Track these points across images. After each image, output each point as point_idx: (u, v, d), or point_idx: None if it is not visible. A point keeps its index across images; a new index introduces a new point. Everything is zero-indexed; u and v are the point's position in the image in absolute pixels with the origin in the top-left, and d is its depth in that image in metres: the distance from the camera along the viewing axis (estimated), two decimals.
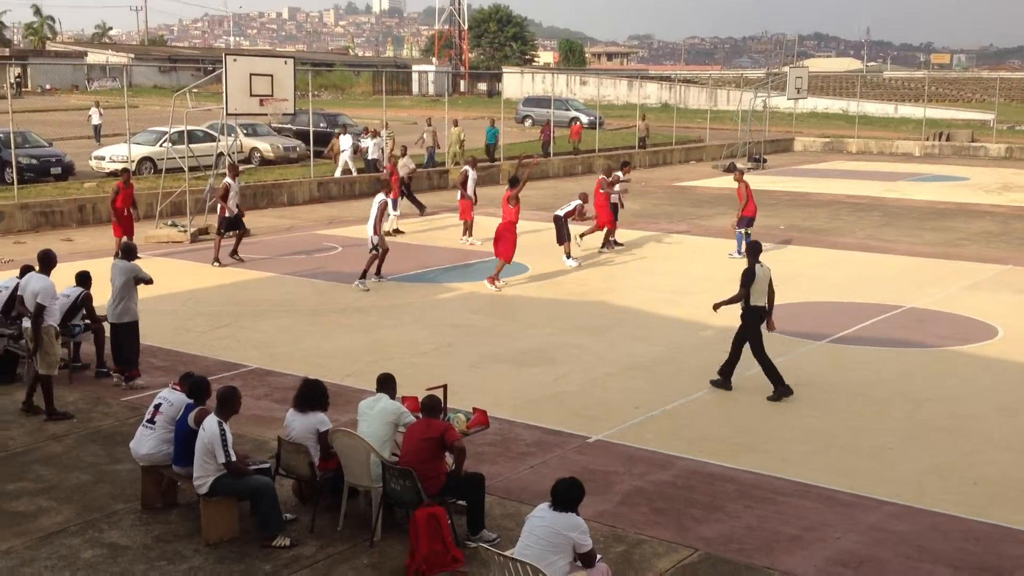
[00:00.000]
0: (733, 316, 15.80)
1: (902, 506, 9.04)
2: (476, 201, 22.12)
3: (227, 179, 19.50)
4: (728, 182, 35.54)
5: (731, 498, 9.15)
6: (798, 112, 59.41)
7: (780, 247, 22.19)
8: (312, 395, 8.69)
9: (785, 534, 8.47)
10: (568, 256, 19.43)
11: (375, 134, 31.12)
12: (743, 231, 20.34)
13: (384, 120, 33.37)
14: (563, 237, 19.48)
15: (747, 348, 12.11)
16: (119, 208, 19.11)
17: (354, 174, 30.29)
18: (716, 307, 12.48)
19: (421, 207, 26.15)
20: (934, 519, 8.81)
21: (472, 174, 22.01)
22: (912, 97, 77.35)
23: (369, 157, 30.88)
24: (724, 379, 12.28)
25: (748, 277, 12.04)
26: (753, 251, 12.34)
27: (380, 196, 17.54)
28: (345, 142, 30.97)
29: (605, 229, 21.15)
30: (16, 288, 12.04)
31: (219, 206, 19.46)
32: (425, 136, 34.17)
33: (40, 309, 10.80)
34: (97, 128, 40.62)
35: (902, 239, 23.68)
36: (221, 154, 26.97)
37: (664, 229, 24.35)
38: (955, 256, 21.51)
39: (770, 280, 12.18)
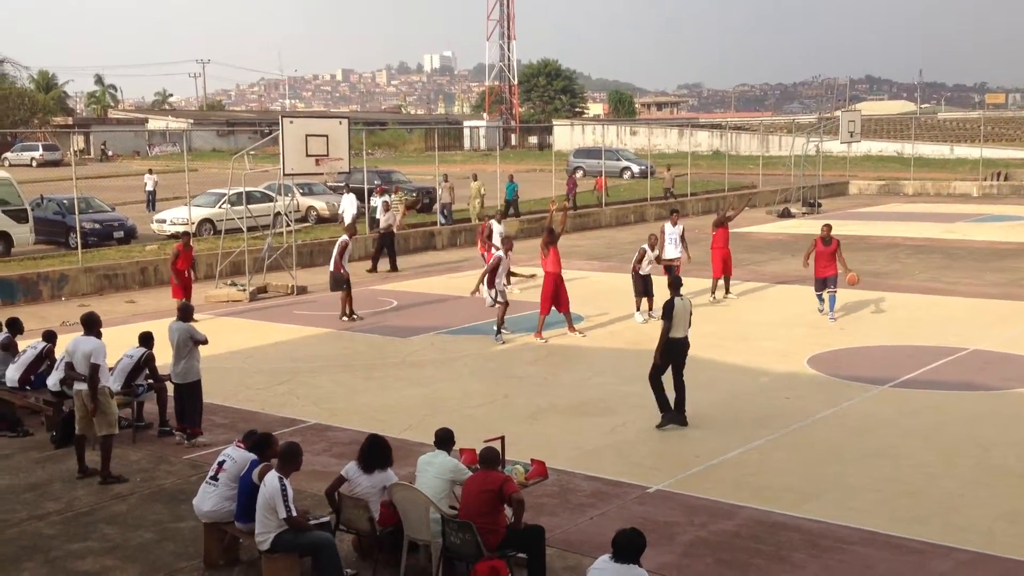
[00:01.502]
0: (794, 361, 15.70)
1: (973, 553, 8.80)
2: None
3: (344, 237, 20.08)
4: (783, 227, 35.41)
5: (797, 547, 8.98)
6: (852, 156, 58.99)
7: (840, 290, 21.88)
8: (378, 453, 8.70)
9: None
10: (638, 309, 19.16)
11: (381, 192, 29.96)
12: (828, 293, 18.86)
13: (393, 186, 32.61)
14: (639, 291, 19.07)
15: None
16: (179, 270, 19.43)
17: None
18: (656, 356, 12.58)
19: (393, 263, 26.11)
20: (1006, 566, 8.56)
21: (498, 227, 22.23)
22: (968, 137, 76.39)
23: (378, 217, 28.35)
24: (676, 413, 12.47)
25: (668, 309, 12.39)
26: (674, 285, 12.81)
27: (498, 253, 17.99)
28: (348, 203, 29.14)
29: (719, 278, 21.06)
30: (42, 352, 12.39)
31: (334, 264, 19.60)
32: (440, 192, 33.37)
33: (95, 369, 10.94)
34: (151, 195, 40.76)
35: (963, 280, 23.29)
36: (279, 214, 27.52)
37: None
38: (1019, 297, 21.09)
39: (689, 312, 12.63)
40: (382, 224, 26.12)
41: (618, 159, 57.55)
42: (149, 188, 40.85)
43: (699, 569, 8.59)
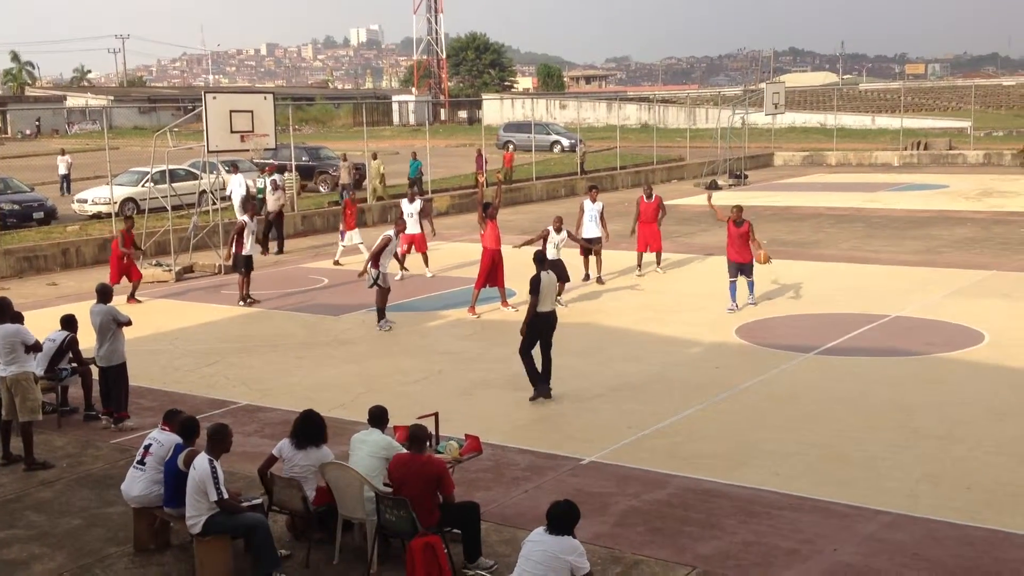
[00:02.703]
0: (723, 332, 15.93)
1: (897, 515, 9.03)
2: (434, 231, 21.91)
3: (243, 217, 19.19)
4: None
5: (727, 514, 9.14)
6: (777, 127, 59.82)
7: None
8: (312, 429, 8.61)
9: (782, 548, 8.45)
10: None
11: (271, 171, 27.46)
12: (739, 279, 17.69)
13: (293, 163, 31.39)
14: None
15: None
16: (120, 254, 19.16)
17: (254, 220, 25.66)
18: (523, 330, 12.74)
19: (280, 245, 25.61)
20: (930, 526, 8.81)
21: (408, 207, 21.46)
22: (889, 108, 77.98)
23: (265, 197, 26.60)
24: (544, 387, 12.62)
25: (535, 284, 12.56)
26: (539, 259, 12.96)
27: (387, 233, 17.08)
28: (236, 183, 26.29)
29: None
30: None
31: (234, 244, 18.94)
32: (342, 171, 32.43)
33: (38, 346, 10.94)
34: (64, 178, 38.39)
35: (885, 249, 23.81)
36: (204, 192, 27.04)
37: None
38: (938, 263, 21.64)
39: (556, 287, 13.00)
40: (271, 205, 25.48)
41: (548, 133, 57.58)
42: (63, 171, 38.48)
43: (632, 538, 8.70)
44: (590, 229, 19.97)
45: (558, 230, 17.73)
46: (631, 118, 76.73)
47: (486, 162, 37.01)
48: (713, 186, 39.74)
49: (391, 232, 17.02)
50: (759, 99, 47.31)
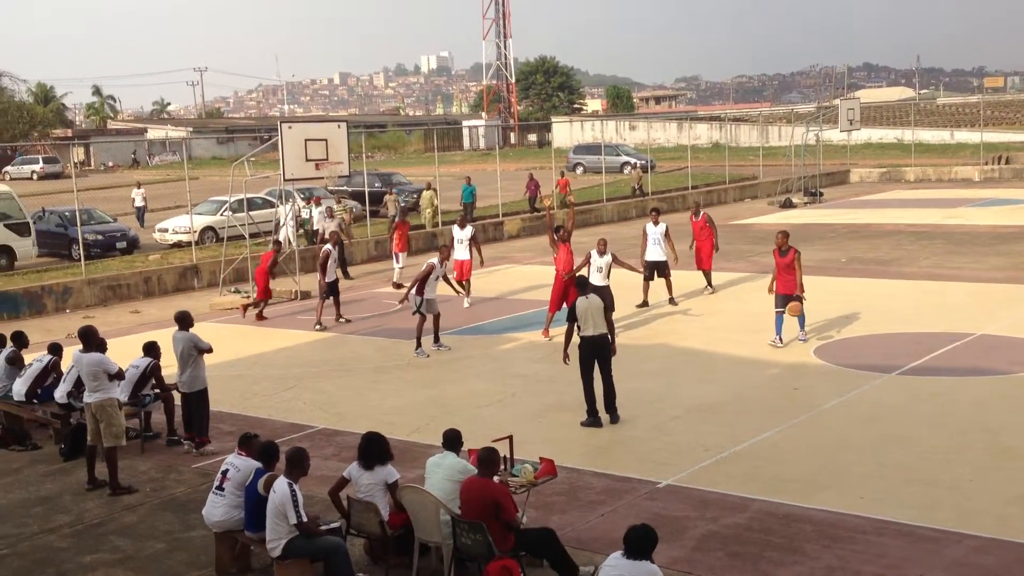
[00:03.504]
0: (801, 352, 15.66)
1: (986, 539, 8.77)
2: (478, 260, 21.83)
3: (328, 247, 19.76)
4: (785, 217, 35.36)
5: (809, 539, 8.95)
6: (852, 144, 58.90)
7: (844, 279, 21.90)
8: (375, 449, 8.69)
9: (867, 573, 8.25)
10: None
11: (318, 202, 28.58)
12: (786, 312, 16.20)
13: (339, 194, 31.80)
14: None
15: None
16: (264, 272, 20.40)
17: (295, 247, 25.31)
18: (564, 358, 12.84)
19: (344, 271, 25.37)
20: (1020, 551, 8.53)
21: (458, 233, 21.40)
22: (968, 122, 76.26)
23: (315, 227, 28.04)
24: (608, 412, 12.46)
25: (571, 311, 12.50)
26: (580, 284, 12.84)
27: (431, 261, 17.01)
28: (284, 214, 26.79)
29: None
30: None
31: (321, 271, 19.35)
32: (388, 204, 32.06)
33: (121, 374, 11.23)
34: (140, 210, 38.39)
35: (968, 266, 23.24)
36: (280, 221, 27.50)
37: (723, 268, 24.14)
38: (1023, 280, 21.03)
39: (604, 308, 12.45)
40: (327, 232, 25.74)
41: (618, 154, 57.48)
42: (138, 204, 38.58)
43: (711, 563, 8.56)
44: (654, 252, 19.74)
45: (601, 253, 17.26)
46: (702, 137, 76.22)
47: (539, 187, 36.79)
48: (788, 204, 39.27)
49: (435, 260, 16.90)
50: (833, 115, 46.66)
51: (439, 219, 31.89)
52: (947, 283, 21.16)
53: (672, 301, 19.72)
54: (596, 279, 16.82)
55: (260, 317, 20.46)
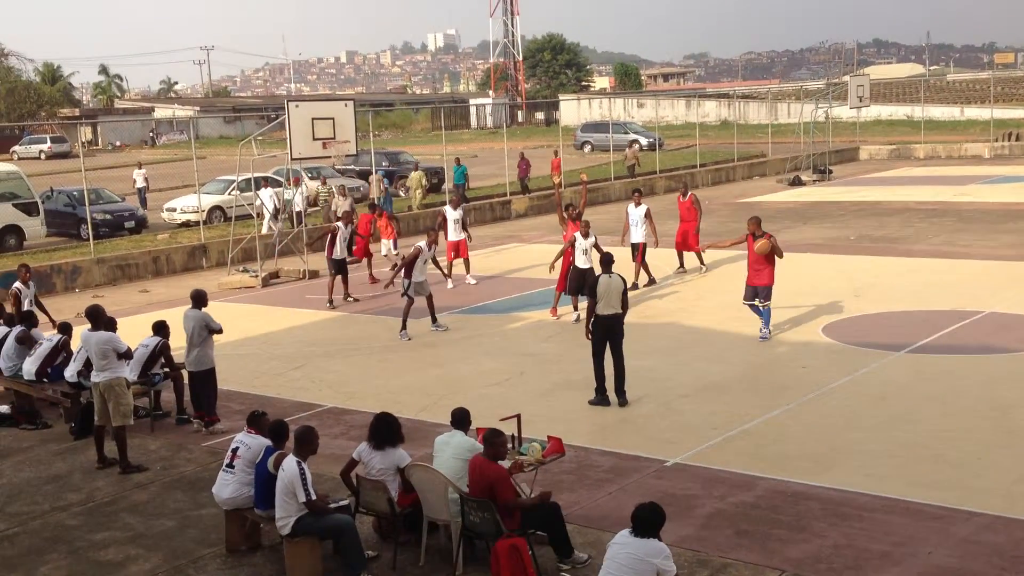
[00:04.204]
0: (809, 330, 15.64)
1: (994, 516, 8.77)
2: (470, 238, 21.89)
3: (337, 223, 20.02)
4: (794, 195, 35.25)
5: (816, 517, 8.97)
6: (862, 121, 58.56)
7: (853, 257, 21.84)
8: (388, 430, 8.71)
9: (874, 551, 8.26)
10: (575, 308, 17.22)
11: (297, 183, 27.59)
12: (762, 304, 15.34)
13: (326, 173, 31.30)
14: (571, 288, 17.23)
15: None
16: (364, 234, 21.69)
17: (276, 232, 25.13)
18: (587, 333, 12.65)
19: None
20: None
21: (452, 214, 21.19)
22: (978, 98, 75.72)
23: (297, 209, 26.92)
24: (616, 393, 12.40)
25: (592, 287, 12.44)
26: (605, 261, 12.69)
27: (419, 244, 16.89)
28: (266, 198, 26.55)
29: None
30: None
31: (327, 248, 19.60)
32: (372, 185, 30.88)
33: (129, 353, 11.27)
34: (141, 191, 37.10)
35: (977, 243, 23.15)
36: (288, 200, 27.52)
37: (731, 246, 24.07)
38: None
39: (623, 290, 12.34)
40: (341, 211, 25.71)
41: (626, 132, 57.25)
42: (140, 185, 37.38)
43: (719, 541, 8.59)
44: (636, 234, 19.66)
45: (585, 235, 16.88)
46: (710, 115, 75.90)
47: (530, 167, 36.39)
48: (797, 182, 39.11)
49: (423, 243, 16.75)
50: (843, 92, 46.35)
51: (422, 201, 31.60)
52: (956, 261, 21.10)
53: (635, 285, 18.99)
54: (581, 262, 16.70)
55: (373, 280, 21.35)
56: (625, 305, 12.46)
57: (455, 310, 18.31)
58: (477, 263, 23.51)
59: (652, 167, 41.24)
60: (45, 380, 13.05)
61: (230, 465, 8.91)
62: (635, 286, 19.07)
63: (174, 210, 32.08)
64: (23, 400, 13.20)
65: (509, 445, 8.79)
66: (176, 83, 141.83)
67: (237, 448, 8.95)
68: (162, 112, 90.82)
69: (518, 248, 25.89)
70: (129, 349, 11.38)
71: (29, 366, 13.11)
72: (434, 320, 16.86)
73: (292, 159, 22.61)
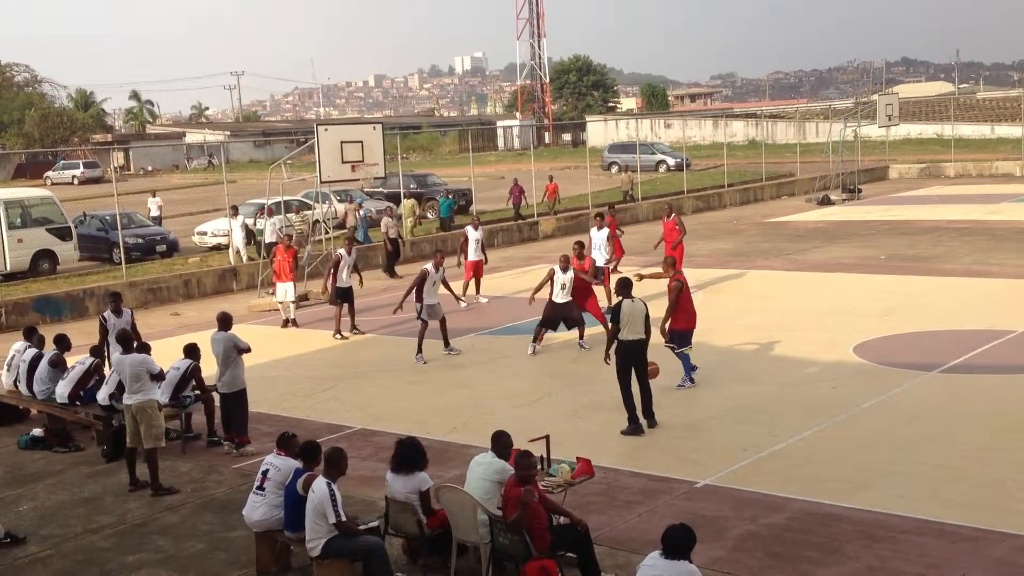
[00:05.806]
0: (840, 350, 15.53)
1: None
2: (486, 260, 22.23)
3: (340, 251, 19.37)
4: (823, 215, 35.07)
5: (849, 538, 8.88)
6: (891, 140, 58.29)
7: (883, 277, 21.68)
8: (409, 456, 8.70)
9: (908, 573, 8.17)
10: (534, 339, 16.75)
11: (271, 213, 26.51)
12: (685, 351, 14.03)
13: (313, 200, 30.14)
14: (544, 319, 16.80)
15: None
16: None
17: (244, 261, 25.66)
18: (606, 358, 12.48)
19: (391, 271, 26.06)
20: None
21: (473, 234, 21.75)
22: (1009, 116, 75.06)
23: (267, 241, 25.84)
24: (645, 417, 12.21)
25: (615, 311, 12.28)
26: (623, 286, 12.44)
27: (426, 267, 16.84)
28: (236, 228, 26.74)
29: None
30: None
31: (330, 277, 19.06)
32: (348, 214, 30.34)
33: (161, 375, 11.38)
34: (156, 220, 35.58)
35: (1009, 262, 22.92)
36: (317, 221, 27.71)
37: (760, 266, 24.01)
38: None
39: (646, 315, 12.15)
40: (391, 233, 26.01)
41: (653, 153, 57.31)
42: (154, 214, 36.33)
43: (750, 563, 8.52)
44: (597, 257, 19.72)
45: (564, 269, 16.49)
46: (738, 135, 75.79)
47: (523, 193, 35.74)
48: (826, 201, 38.92)
49: (428, 265, 16.73)
50: (871, 111, 46.21)
51: (414, 231, 30.80)
52: (988, 280, 20.90)
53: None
54: (560, 297, 16.45)
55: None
56: (648, 330, 12.34)
57: (483, 331, 18.33)
58: (504, 284, 23.58)
59: (680, 187, 41.17)
60: (78, 403, 13.17)
61: (260, 487, 8.95)
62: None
63: (204, 234, 32.37)
64: (56, 423, 13.32)
65: (539, 466, 8.77)
66: (207, 108, 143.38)
67: (267, 470, 8.99)
68: (193, 137, 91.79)
69: (545, 269, 25.86)
70: (162, 371, 11.49)
71: (62, 389, 13.24)
72: (447, 344, 16.80)
73: (321, 182, 22.78)
